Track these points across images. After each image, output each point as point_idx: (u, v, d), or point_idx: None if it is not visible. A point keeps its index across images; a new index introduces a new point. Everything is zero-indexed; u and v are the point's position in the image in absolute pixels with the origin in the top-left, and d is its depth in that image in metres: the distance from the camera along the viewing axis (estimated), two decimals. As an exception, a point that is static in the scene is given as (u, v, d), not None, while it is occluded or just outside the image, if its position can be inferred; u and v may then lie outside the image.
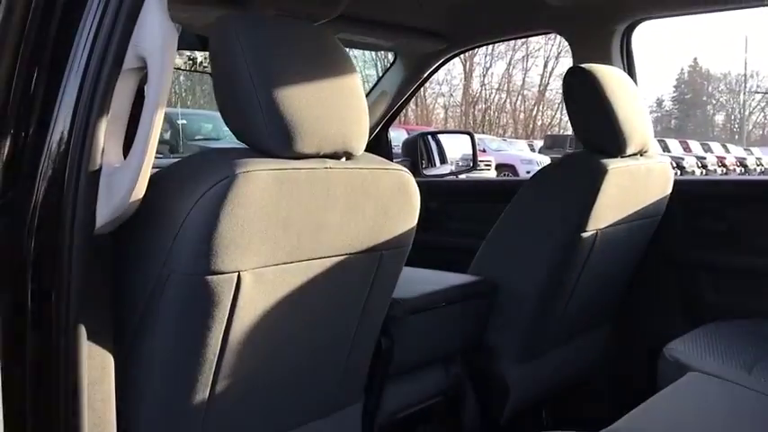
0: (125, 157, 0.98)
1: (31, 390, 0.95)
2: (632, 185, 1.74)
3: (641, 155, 1.79)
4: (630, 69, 2.09)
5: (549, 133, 24.96)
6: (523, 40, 27.81)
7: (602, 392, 2.12)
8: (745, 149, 25.78)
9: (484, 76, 31.08)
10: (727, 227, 1.97)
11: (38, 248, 0.95)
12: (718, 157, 21.46)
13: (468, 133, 2.87)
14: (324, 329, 1.29)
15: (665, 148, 19.83)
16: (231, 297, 1.07)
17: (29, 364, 0.94)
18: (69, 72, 0.95)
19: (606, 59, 2.03)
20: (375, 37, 2.22)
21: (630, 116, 1.70)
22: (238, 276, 1.06)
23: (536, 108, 31.92)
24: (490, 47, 28.29)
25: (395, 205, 1.26)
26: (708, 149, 22.97)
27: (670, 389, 1.36)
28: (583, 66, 1.72)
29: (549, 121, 31.54)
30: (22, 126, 0.96)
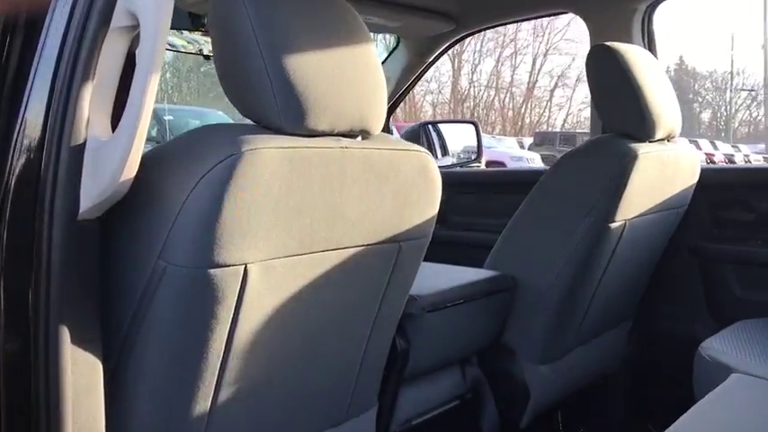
0: (113, 131, 0.85)
1: (6, 405, 0.81)
2: (661, 173, 1.62)
3: (668, 140, 1.67)
4: (652, 52, 1.97)
5: (538, 130, 24.92)
6: (512, 37, 27.78)
7: (624, 393, 2.00)
8: (732, 146, 25.88)
9: (472, 73, 30.99)
10: (755, 217, 1.85)
11: (11, 238, 0.81)
12: (706, 153, 21.49)
13: (473, 122, 2.74)
14: (338, 329, 1.16)
15: None
16: (237, 293, 0.94)
17: (3, 377, 0.80)
18: (48, 29, 0.81)
19: (626, 41, 1.90)
20: (379, 16, 2.07)
21: (659, 98, 1.58)
22: (245, 269, 0.93)
23: (524, 105, 31.88)
24: (479, 43, 28.25)
25: (415, 191, 1.13)
26: (697, 146, 23.02)
27: (717, 393, 1.24)
28: (607, 43, 1.60)
29: (537, 118, 31.52)
30: None
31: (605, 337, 1.87)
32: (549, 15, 2.19)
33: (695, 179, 1.78)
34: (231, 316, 0.95)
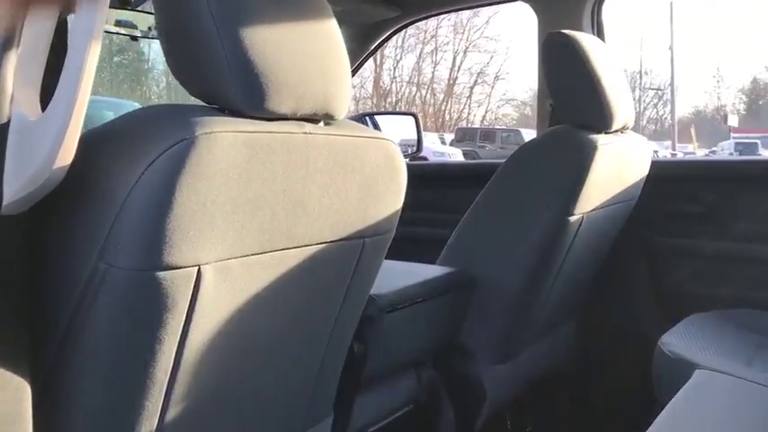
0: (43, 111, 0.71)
1: None
2: (617, 165, 1.58)
3: (622, 132, 1.64)
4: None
5: (459, 126, 25.22)
6: (433, 33, 28.00)
7: (571, 389, 1.97)
8: (641, 143, 26.86)
9: (394, 68, 31.05)
10: (704, 210, 1.85)
11: None
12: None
13: (413, 114, 2.67)
14: (297, 335, 1.05)
15: None
16: (189, 299, 0.82)
17: None
18: None
19: (575, 28, 1.86)
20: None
21: (615, 89, 1.54)
22: (198, 271, 0.81)
23: (445, 102, 32.22)
24: (400, 39, 28.33)
25: (382, 182, 1.04)
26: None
27: (687, 391, 1.20)
28: (564, 31, 1.54)
29: (457, 115, 31.90)
30: None
31: (556, 333, 1.83)
32: (497, 3, 2.13)
33: (646, 172, 1.76)
34: (182, 325, 0.83)
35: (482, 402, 1.58)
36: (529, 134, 17.76)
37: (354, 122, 1.05)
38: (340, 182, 0.97)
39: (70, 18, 0.72)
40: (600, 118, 1.51)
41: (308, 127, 0.91)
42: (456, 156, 16.35)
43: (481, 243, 1.58)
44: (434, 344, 1.53)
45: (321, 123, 0.95)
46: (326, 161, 0.94)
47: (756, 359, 1.44)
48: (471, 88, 31.10)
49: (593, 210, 1.55)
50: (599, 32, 1.95)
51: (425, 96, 32.07)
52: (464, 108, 31.94)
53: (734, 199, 1.83)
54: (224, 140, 0.79)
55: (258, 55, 0.83)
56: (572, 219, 1.48)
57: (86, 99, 0.68)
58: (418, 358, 1.51)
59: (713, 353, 1.42)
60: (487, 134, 19.32)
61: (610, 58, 1.59)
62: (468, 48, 30.12)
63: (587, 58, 1.49)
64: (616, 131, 1.59)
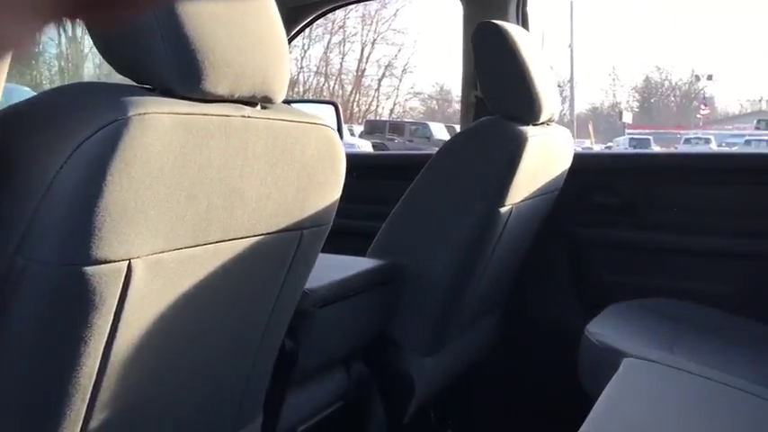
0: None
1: None
2: (544, 157, 1.59)
3: (548, 124, 1.65)
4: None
5: (368, 119, 25.25)
6: (341, 24, 27.87)
7: (494, 380, 1.99)
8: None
9: (302, 58, 30.73)
10: (621, 202, 1.90)
11: None
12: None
13: (333, 103, 2.61)
14: (230, 332, 0.99)
15: (454, 133, 20.34)
16: (118, 296, 0.75)
17: None
18: None
19: (501, 19, 1.86)
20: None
21: (543, 80, 1.55)
22: (129, 266, 0.74)
23: (353, 93, 32.19)
24: (308, 28, 28.01)
25: (321, 171, 0.99)
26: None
27: (619, 380, 1.22)
28: (495, 21, 1.54)
29: (366, 107, 31.95)
30: None
31: (481, 324, 1.83)
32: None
33: (569, 164, 1.79)
34: (110, 324, 0.76)
35: (411, 396, 1.56)
36: (437, 128, 18.02)
37: (290, 106, 1.00)
38: (279, 169, 0.91)
39: None
40: (529, 110, 1.52)
41: (247, 110, 0.85)
42: (366, 148, 16.36)
43: (412, 235, 1.55)
44: (364, 338, 1.50)
45: (258, 107, 0.90)
46: (265, 147, 0.88)
47: (677, 346, 1.48)
48: (380, 81, 31.22)
49: (522, 201, 1.56)
50: (524, 24, 1.96)
51: (333, 87, 31.91)
52: (372, 100, 32.01)
53: (650, 191, 1.89)
54: (158, 122, 0.72)
55: (195, 31, 0.77)
56: (502, 210, 1.48)
57: (5, 70, 0.60)
58: (348, 353, 1.47)
59: (638, 341, 1.46)
60: (396, 127, 19.44)
61: (537, 48, 1.59)
62: (376, 40, 30.17)
63: (518, 50, 1.49)
64: (542, 123, 1.60)
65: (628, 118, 25.31)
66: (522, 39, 1.53)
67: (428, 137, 16.91)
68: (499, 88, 1.54)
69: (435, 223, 1.51)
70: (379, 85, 31.10)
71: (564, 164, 1.75)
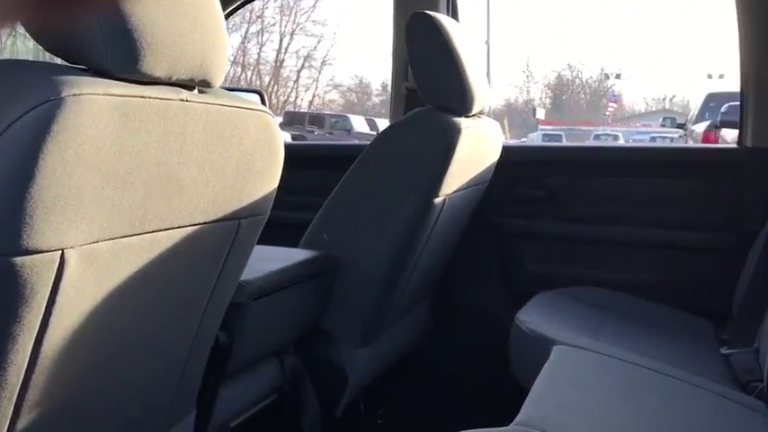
0: None
1: None
2: (476, 148, 1.61)
3: (479, 116, 1.67)
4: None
5: (287, 110, 24.97)
6: (259, 14, 27.42)
7: (424, 369, 2.00)
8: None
9: (219, 47, 29.98)
10: (546, 194, 1.95)
11: None
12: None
13: (258, 92, 2.57)
14: (165, 326, 0.96)
15: (374, 127, 19.69)
16: (50, 288, 0.71)
17: None
18: None
19: (432, 10, 1.87)
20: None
21: (476, 72, 1.56)
22: (62, 256, 0.70)
23: (272, 84, 31.74)
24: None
25: (260, 159, 0.96)
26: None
27: (551, 368, 1.24)
28: (428, 12, 1.54)
29: (285, 98, 31.58)
30: None
31: (412, 315, 1.84)
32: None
33: (498, 156, 1.82)
34: (41, 318, 0.71)
35: (344, 387, 1.55)
36: (357, 120, 18.00)
37: (226, 91, 0.97)
38: (218, 156, 0.88)
39: None
40: (461, 101, 1.53)
41: (185, 93, 0.82)
42: (285, 139, 16.18)
43: (346, 226, 1.54)
44: (298, 330, 1.48)
45: (196, 90, 0.86)
46: (204, 133, 0.85)
47: (601, 333, 1.53)
48: (298, 72, 30.92)
49: (454, 192, 1.57)
50: (454, 15, 1.97)
51: (251, 78, 31.37)
52: (291, 92, 31.67)
53: (574, 183, 1.94)
54: (94, 104, 0.68)
55: (132, 10, 0.73)
56: (436, 201, 1.48)
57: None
58: (281, 346, 1.45)
59: (566, 329, 1.50)
60: (316, 119, 19.30)
61: (469, 40, 1.61)
62: (295, 30, 29.84)
63: (451, 41, 1.50)
64: (474, 115, 1.62)
65: (541, 114, 26.05)
66: (455, 30, 1.54)
67: (348, 129, 16.87)
68: (433, 79, 1.54)
69: (369, 214, 1.51)
70: (298, 76, 30.79)
71: (493, 156, 1.77)
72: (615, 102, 29.21)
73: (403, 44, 1.96)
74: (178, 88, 0.81)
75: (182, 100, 0.81)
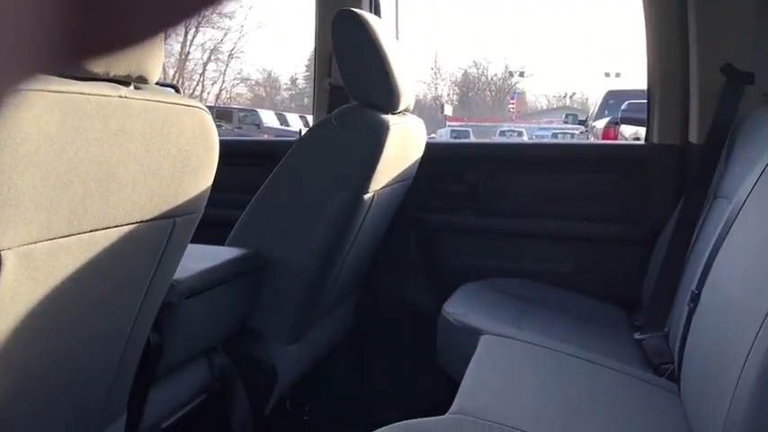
0: None
1: None
2: (403, 145, 1.64)
3: (404, 113, 1.70)
4: (378, 21, 1.98)
5: (209, 105, 24.32)
6: (163, 4, 26.60)
7: (349, 364, 2.02)
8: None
9: (119, 39, 28.86)
10: (467, 189, 2.00)
11: None
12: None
13: (173, 86, 2.50)
14: (100, 327, 0.93)
15: (285, 122, 19.26)
16: None
17: None
18: None
19: (355, 7, 1.88)
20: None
21: (402, 70, 1.59)
22: None
23: (176, 77, 30.85)
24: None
25: (196, 156, 0.95)
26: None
27: (481, 356, 1.29)
28: (354, 9, 1.55)
29: (191, 92, 30.77)
30: None
31: (340, 310, 1.85)
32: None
33: (422, 152, 1.85)
34: None
35: (273, 384, 1.54)
36: (266, 114, 17.74)
37: (161, 87, 0.95)
38: (156, 153, 0.87)
39: None
40: (389, 99, 1.55)
41: (123, 90, 0.80)
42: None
43: (275, 223, 1.53)
44: (227, 329, 1.46)
45: (132, 86, 0.84)
46: (143, 129, 0.83)
47: (524, 322, 1.59)
48: (205, 65, 30.25)
49: (382, 188, 1.59)
50: (377, 12, 1.99)
51: (155, 71, 30.31)
52: (197, 85, 30.91)
53: (494, 179, 2.00)
54: (33, 101, 0.66)
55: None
56: (366, 197, 1.50)
57: None
58: (210, 345, 1.43)
59: (490, 319, 1.55)
60: (224, 113, 18.88)
61: (394, 39, 1.63)
62: (201, 23, 29.12)
63: (378, 39, 1.52)
64: (400, 112, 1.64)
65: (449, 111, 26.53)
66: (381, 27, 1.56)
67: (257, 124, 16.62)
68: (360, 77, 1.55)
69: (299, 211, 1.50)
70: (204, 69, 30.12)
71: (418, 153, 1.80)
72: (515, 100, 30.13)
73: (326, 41, 1.97)
74: (116, 84, 0.79)
75: (120, 96, 0.79)
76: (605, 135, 7.28)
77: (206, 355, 1.43)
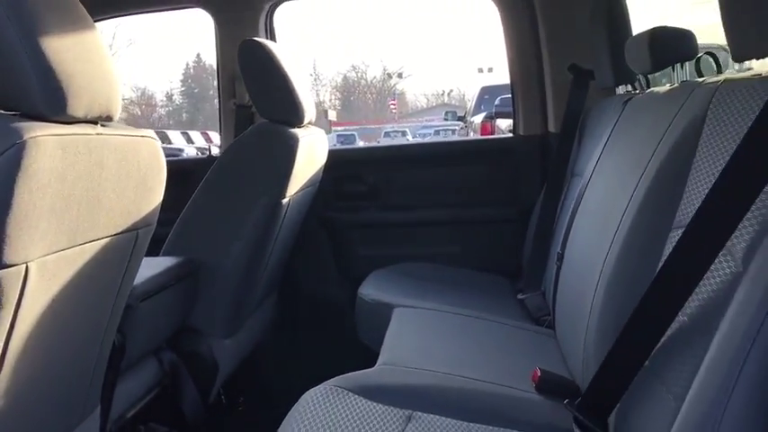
0: None
1: None
2: (310, 154, 1.87)
3: (307, 126, 1.94)
4: (273, 47, 2.21)
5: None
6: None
7: (275, 355, 2.22)
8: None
9: None
10: (368, 188, 2.27)
11: None
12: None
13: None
14: (87, 325, 1.12)
15: (166, 139, 19.06)
16: (17, 296, 0.86)
17: None
18: None
19: (253, 36, 2.10)
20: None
21: (302, 87, 1.83)
22: (26, 268, 0.86)
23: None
24: None
25: (151, 177, 1.16)
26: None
27: (396, 324, 1.55)
28: (256, 39, 1.78)
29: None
30: None
31: (265, 305, 2.06)
32: (174, 9, 2.25)
33: (325, 159, 2.09)
34: (9, 322, 0.87)
35: (215, 375, 1.74)
36: (173, 134, 17.24)
37: (119, 123, 1.14)
38: (124, 177, 1.06)
39: None
40: (294, 114, 1.78)
41: (98, 128, 0.99)
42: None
43: (204, 232, 1.73)
44: (172, 328, 1.65)
45: (99, 125, 1.04)
46: (115, 159, 1.03)
47: (428, 295, 1.85)
48: (75, 87, 28.91)
49: (296, 193, 1.83)
50: (272, 37, 2.22)
51: (21, 96, 28.72)
52: (69, 108, 29.47)
53: (390, 177, 2.27)
54: (45, 144, 0.85)
55: (58, 65, 0.90)
56: (284, 201, 1.73)
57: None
58: (158, 344, 1.61)
59: (400, 295, 1.81)
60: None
61: (294, 60, 1.87)
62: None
63: (280, 63, 1.75)
64: (304, 126, 1.88)
65: (332, 116, 26.81)
66: (282, 53, 1.79)
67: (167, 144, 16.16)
68: (268, 98, 1.78)
69: (226, 219, 1.71)
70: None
71: (322, 160, 2.05)
72: (395, 101, 30.84)
73: (228, 66, 2.19)
74: (92, 124, 0.99)
75: (98, 134, 0.98)
76: (483, 129, 7.72)
77: (155, 353, 1.61)
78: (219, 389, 2.06)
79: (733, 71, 1.78)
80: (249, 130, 1.78)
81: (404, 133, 20.34)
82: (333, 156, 2.14)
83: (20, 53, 0.86)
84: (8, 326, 0.86)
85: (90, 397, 1.23)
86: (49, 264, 0.91)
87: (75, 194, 0.93)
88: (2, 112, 0.89)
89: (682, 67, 1.43)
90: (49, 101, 0.89)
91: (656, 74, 1.65)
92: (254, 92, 1.80)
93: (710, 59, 1.45)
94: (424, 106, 33.31)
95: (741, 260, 0.80)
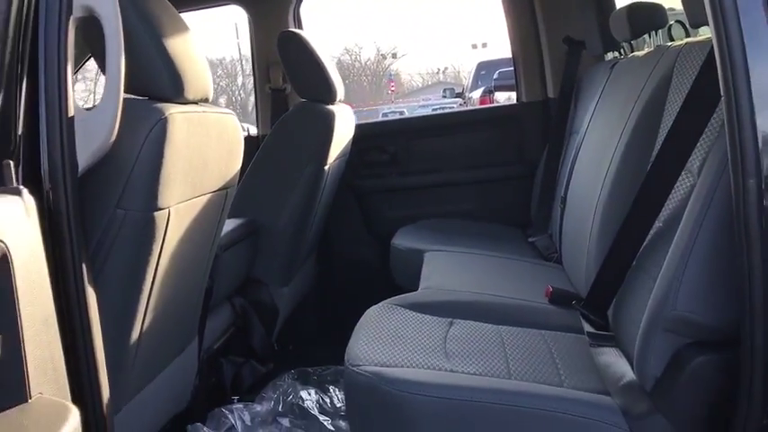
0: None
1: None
2: (343, 127, 2.17)
3: (338, 103, 2.23)
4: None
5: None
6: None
7: (315, 306, 2.52)
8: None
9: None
10: (389, 157, 2.57)
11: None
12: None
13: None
14: (198, 264, 1.42)
15: None
16: (163, 233, 1.16)
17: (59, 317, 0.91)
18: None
19: (284, 27, 2.40)
20: None
21: (333, 69, 2.13)
22: (169, 212, 1.16)
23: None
24: None
25: (235, 146, 1.45)
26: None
27: (429, 264, 1.86)
28: (292, 30, 2.08)
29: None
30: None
31: (308, 263, 2.37)
32: (211, 6, 2.54)
33: (353, 133, 2.39)
34: (158, 252, 1.17)
35: (276, 318, 2.05)
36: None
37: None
38: (220, 146, 1.36)
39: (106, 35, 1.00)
40: (328, 93, 2.08)
41: (204, 106, 1.29)
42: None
43: (262, 196, 2.03)
44: (240, 278, 1.96)
45: (200, 104, 1.33)
46: (215, 131, 1.33)
47: (451, 242, 2.16)
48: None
49: (333, 161, 2.13)
50: (299, 25, 2.52)
51: None
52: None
53: (409, 146, 2.58)
54: (177, 119, 1.15)
55: (176, 56, 1.19)
56: (326, 168, 2.03)
57: (122, 92, 1.00)
58: (231, 291, 1.92)
59: (427, 242, 2.11)
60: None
61: (321, 46, 2.16)
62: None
63: (315, 50, 2.05)
64: (336, 103, 2.18)
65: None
66: (314, 41, 2.09)
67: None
68: (305, 80, 2.08)
69: (279, 186, 2.02)
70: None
71: (351, 133, 2.35)
72: (393, 81, 30.94)
73: (262, 54, 2.49)
74: (199, 104, 1.28)
75: (203, 111, 1.28)
76: (482, 103, 8.00)
77: (228, 299, 1.92)
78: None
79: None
80: (292, 110, 2.09)
81: (402, 113, 20.50)
82: (358, 129, 2.44)
83: (150, 50, 1.15)
84: (157, 255, 1.17)
85: (192, 328, 1.54)
86: (180, 210, 1.22)
87: (194, 158, 1.23)
88: (136, 97, 1.18)
89: (656, 34, 1.73)
90: (174, 87, 1.19)
91: (639, 40, 1.96)
92: (293, 76, 2.10)
93: (680, 26, 1.74)
94: (420, 85, 33.42)
95: (696, 174, 1.11)
